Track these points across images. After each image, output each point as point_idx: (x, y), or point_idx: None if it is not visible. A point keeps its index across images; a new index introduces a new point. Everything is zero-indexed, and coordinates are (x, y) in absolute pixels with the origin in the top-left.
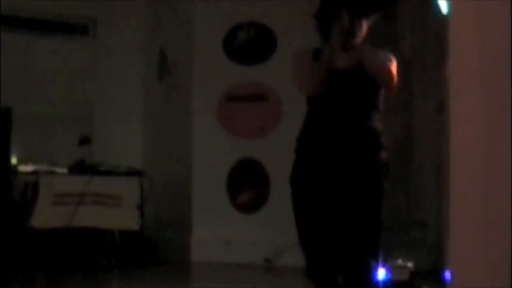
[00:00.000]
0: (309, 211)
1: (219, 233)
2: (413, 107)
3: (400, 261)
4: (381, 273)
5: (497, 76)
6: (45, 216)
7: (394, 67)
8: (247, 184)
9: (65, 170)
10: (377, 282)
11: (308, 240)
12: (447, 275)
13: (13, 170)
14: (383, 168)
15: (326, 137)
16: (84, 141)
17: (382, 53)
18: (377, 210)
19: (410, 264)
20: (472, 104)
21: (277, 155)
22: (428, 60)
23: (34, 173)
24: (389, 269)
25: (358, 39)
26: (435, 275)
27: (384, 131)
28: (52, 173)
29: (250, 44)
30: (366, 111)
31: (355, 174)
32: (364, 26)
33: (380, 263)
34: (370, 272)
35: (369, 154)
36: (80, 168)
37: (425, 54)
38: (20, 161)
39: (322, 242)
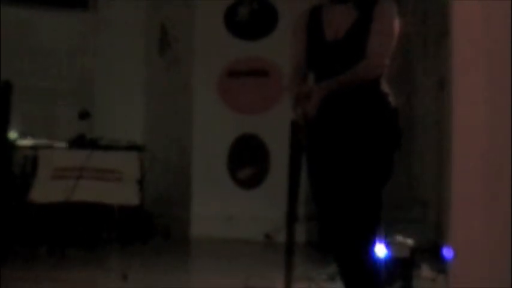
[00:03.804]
0: (323, 178)
1: (219, 209)
2: (414, 84)
3: (400, 238)
4: (381, 250)
5: (501, 53)
6: (44, 190)
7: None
8: (247, 160)
9: (64, 145)
10: (377, 258)
11: (324, 208)
12: (445, 252)
13: (13, 144)
14: (395, 138)
15: (334, 107)
16: (84, 115)
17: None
18: (380, 186)
19: (410, 241)
20: (475, 81)
21: (278, 130)
22: (430, 36)
23: (34, 147)
24: (390, 246)
25: None
26: (435, 252)
27: (390, 92)
28: (52, 147)
29: (252, 18)
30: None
31: (364, 149)
32: None
33: (380, 240)
34: (369, 248)
35: (379, 126)
36: (80, 142)
37: (426, 31)
38: (20, 135)
39: (337, 211)
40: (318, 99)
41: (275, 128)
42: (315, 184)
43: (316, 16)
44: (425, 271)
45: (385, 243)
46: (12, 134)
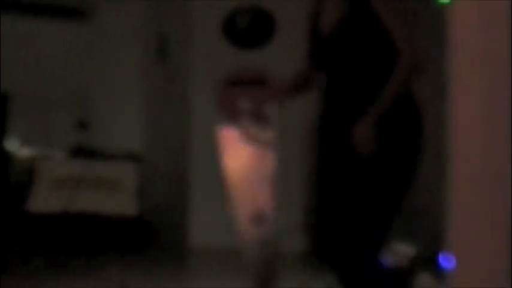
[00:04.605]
0: (331, 186)
1: (218, 218)
2: (413, 90)
3: (399, 247)
4: (383, 259)
5: (500, 56)
6: (42, 200)
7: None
8: None
9: (63, 154)
10: (380, 268)
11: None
12: (444, 260)
13: (11, 153)
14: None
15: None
16: (83, 125)
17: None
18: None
19: (409, 250)
20: (472, 88)
21: (278, 139)
22: (430, 42)
23: (32, 157)
24: (389, 255)
25: None
26: (434, 260)
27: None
28: (50, 157)
29: (250, 28)
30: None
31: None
32: None
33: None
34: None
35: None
36: (78, 152)
37: (427, 36)
38: (19, 145)
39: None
40: (372, 131)
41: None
42: (326, 192)
43: (317, 7)
44: (424, 280)
45: (386, 252)
46: (11, 144)
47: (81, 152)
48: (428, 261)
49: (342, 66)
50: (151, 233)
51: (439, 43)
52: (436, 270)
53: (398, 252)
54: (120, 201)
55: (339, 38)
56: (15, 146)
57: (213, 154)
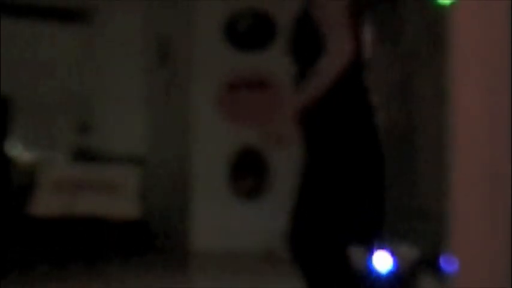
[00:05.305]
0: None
1: (219, 221)
2: (414, 94)
3: (401, 250)
4: (384, 262)
5: (498, 60)
6: (44, 204)
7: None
8: (247, 172)
9: (64, 158)
10: (376, 271)
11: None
12: (445, 262)
13: (12, 157)
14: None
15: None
16: (84, 128)
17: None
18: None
19: (411, 252)
20: (472, 88)
21: None
22: (430, 46)
23: (33, 160)
24: (390, 257)
25: None
26: (435, 262)
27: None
28: (51, 160)
29: (251, 31)
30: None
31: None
32: None
33: (382, 251)
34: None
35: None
36: (79, 156)
37: (426, 40)
38: (20, 149)
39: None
40: (291, 124)
41: None
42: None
43: None
44: (426, 282)
45: (388, 254)
46: (13, 147)
47: (82, 155)
48: (429, 263)
49: (297, 60)
50: (153, 236)
51: (439, 43)
52: (438, 272)
53: (399, 254)
54: (121, 204)
55: (292, 31)
56: (16, 150)
57: (214, 156)
